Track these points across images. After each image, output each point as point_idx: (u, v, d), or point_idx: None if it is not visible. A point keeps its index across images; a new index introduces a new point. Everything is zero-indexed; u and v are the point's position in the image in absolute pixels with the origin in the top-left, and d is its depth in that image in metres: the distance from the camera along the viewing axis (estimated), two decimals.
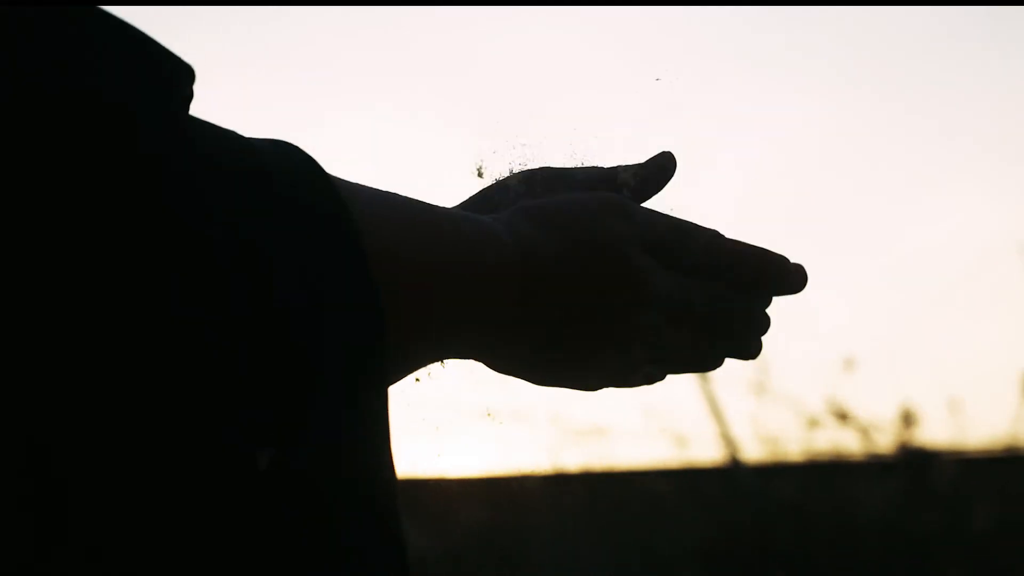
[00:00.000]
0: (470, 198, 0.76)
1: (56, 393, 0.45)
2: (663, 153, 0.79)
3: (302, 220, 0.54)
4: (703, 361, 0.75)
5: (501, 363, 0.71)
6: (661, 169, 0.78)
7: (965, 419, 3.79)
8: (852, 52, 4.33)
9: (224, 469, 0.48)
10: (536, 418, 3.66)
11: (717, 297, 0.74)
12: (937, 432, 3.73)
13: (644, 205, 0.75)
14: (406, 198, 0.64)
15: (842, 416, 3.68)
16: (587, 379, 0.73)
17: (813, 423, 3.70)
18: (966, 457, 3.68)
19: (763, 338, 0.77)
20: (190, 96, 0.53)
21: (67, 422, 0.45)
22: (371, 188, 0.63)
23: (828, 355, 3.79)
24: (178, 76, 0.52)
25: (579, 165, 0.78)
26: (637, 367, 0.73)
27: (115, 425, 0.46)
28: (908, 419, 3.63)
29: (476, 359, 0.71)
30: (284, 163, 0.55)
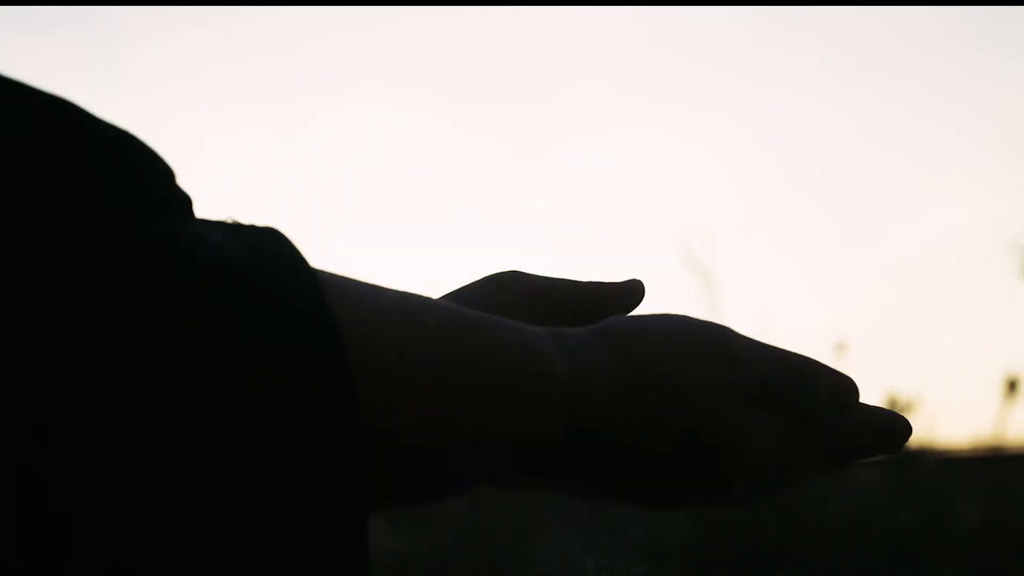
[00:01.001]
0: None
1: (52, 412, 0.45)
2: (634, 281, 0.69)
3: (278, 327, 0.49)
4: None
5: (548, 485, 0.62)
6: (630, 296, 0.69)
7: (951, 417, 3.81)
8: (851, 52, 4.35)
9: (230, 470, 0.48)
10: None
11: (844, 452, 0.64)
12: (923, 429, 3.75)
13: (761, 341, 0.63)
14: (420, 301, 0.57)
15: None
16: (656, 508, 0.63)
17: None
18: (952, 455, 3.70)
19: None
20: (174, 196, 0.51)
21: (62, 433, 0.45)
22: (375, 289, 0.56)
23: (817, 352, 3.80)
24: (159, 177, 0.50)
25: (556, 276, 0.69)
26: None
27: (111, 427, 0.46)
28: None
29: (515, 482, 0.62)
30: (265, 266, 0.51)
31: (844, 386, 0.64)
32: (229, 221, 0.52)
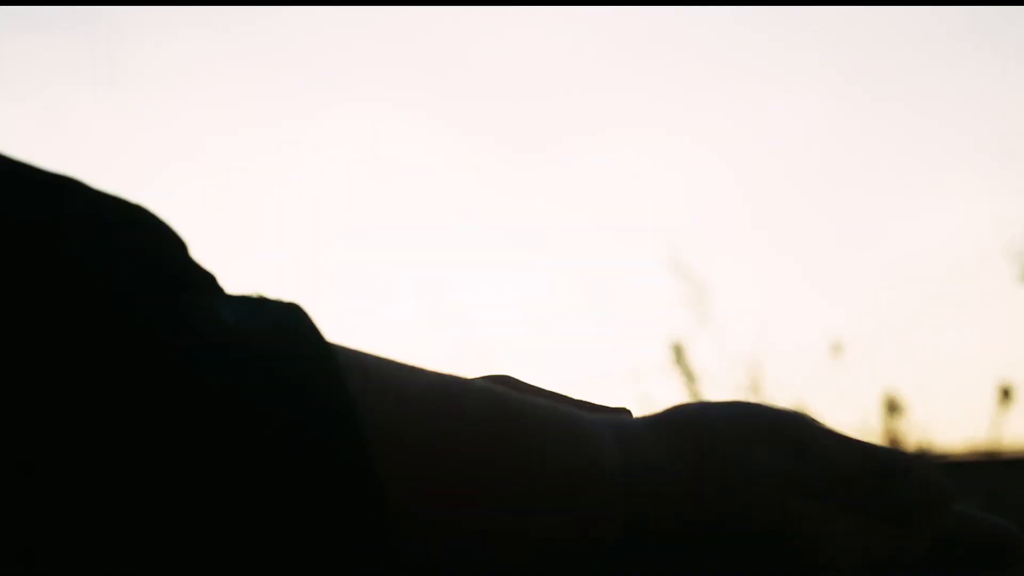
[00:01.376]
0: None
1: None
2: (623, 409, 0.63)
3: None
4: None
5: None
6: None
7: (948, 421, 3.81)
8: (851, 52, 4.36)
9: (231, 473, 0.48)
10: None
11: (940, 567, 0.57)
12: (920, 434, 3.75)
13: (843, 433, 0.57)
14: (458, 385, 0.52)
15: (830, 417, 3.71)
16: None
17: None
18: (948, 460, 3.70)
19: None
20: (189, 272, 0.49)
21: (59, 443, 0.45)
22: (408, 370, 0.52)
23: (817, 355, 3.81)
24: (171, 254, 0.49)
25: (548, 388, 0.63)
26: None
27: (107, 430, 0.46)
28: (893, 415, 3.65)
29: None
30: (278, 343, 0.49)
31: (937, 488, 0.57)
32: (251, 296, 0.50)
